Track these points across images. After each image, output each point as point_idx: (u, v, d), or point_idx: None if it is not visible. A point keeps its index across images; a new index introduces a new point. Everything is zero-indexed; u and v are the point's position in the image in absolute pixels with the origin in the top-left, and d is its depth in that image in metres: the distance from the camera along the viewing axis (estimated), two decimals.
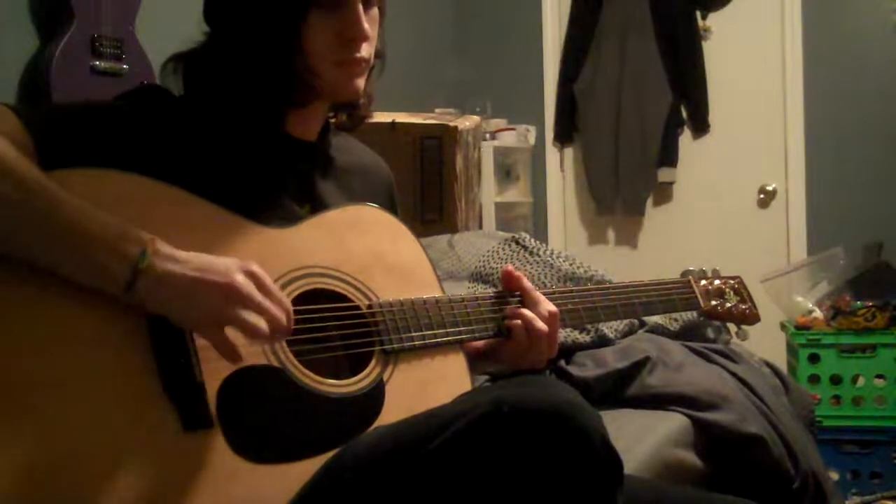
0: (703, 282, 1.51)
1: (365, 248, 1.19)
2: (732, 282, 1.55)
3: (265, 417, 1.02)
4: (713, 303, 1.48)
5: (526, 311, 1.26)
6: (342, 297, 1.14)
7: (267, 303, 0.97)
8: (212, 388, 0.99)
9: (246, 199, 1.10)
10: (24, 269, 0.92)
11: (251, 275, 0.98)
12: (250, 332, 0.96)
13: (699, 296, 1.49)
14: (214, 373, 0.99)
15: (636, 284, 1.43)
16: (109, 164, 1.02)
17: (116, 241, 0.93)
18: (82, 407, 0.91)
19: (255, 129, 1.17)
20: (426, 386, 1.16)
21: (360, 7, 1.13)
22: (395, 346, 1.14)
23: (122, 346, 0.95)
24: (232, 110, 1.15)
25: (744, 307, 1.53)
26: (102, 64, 2.50)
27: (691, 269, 1.51)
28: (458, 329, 1.21)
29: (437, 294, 1.23)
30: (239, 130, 1.16)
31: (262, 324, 0.96)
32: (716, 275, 1.54)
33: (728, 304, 1.50)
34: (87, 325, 0.94)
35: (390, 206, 1.34)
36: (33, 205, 0.92)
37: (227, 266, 0.97)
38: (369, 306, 1.15)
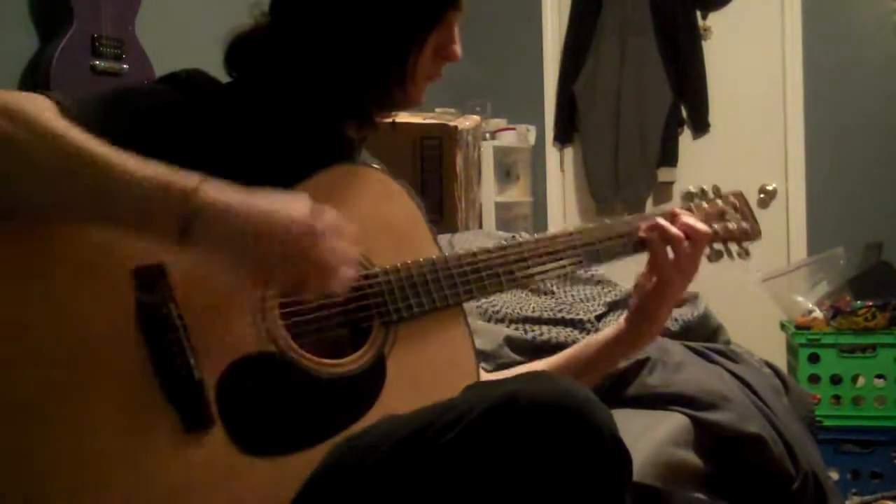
0: (705, 204, 1.46)
1: (358, 212, 1.14)
2: (733, 199, 1.49)
3: (267, 408, 1.01)
4: (715, 226, 1.44)
5: (659, 220, 1.27)
6: None
7: (342, 244, 0.97)
8: (211, 383, 0.98)
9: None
10: (19, 273, 0.91)
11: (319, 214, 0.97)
12: (334, 270, 0.96)
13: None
14: (212, 367, 0.98)
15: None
16: (151, 150, 1.01)
17: (166, 186, 0.90)
18: (82, 412, 0.91)
19: (323, 127, 1.17)
20: (429, 353, 1.13)
21: None
22: (393, 316, 1.11)
23: (118, 348, 0.94)
24: (308, 106, 1.15)
25: (745, 225, 1.48)
26: (102, 64, 2.50)
27: (692, 190, 1.47)
28: (455, 290, 1.16)
29: (435, 254, 1.18)
30: (302, 125, 1.15)
31: (348, 253, 0.97)
32: (717, 194, 1.48)
33: (730, 226, 1.46)
34: (83, 329, 0.93)
35: None
36: (80, 161, 0.89)
37: (296, 203, 0.96)
38: (366, 276, 1.11)
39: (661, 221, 1.29)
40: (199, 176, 0.92)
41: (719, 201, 1.46)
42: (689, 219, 1.30)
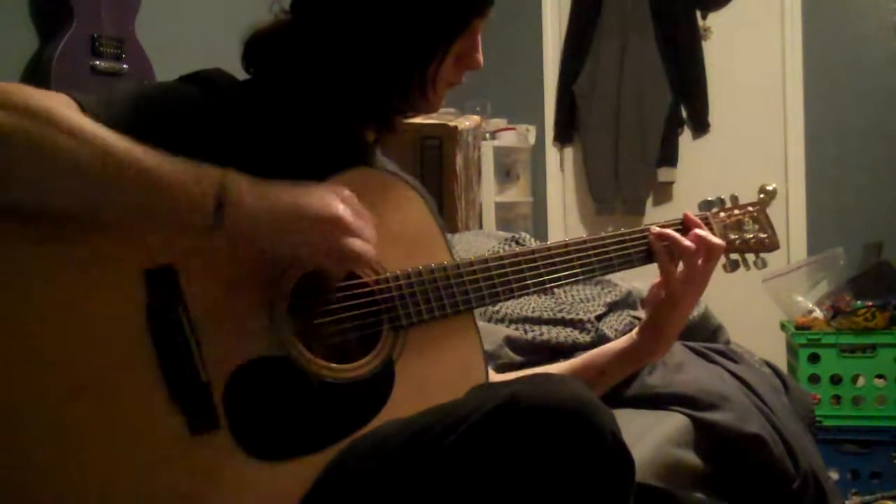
0: (723, 214, 1.45)
1: (372, 216, 1.12)
2: (752, 209, 1.48)
3: (274, 411, 1.01)
4: (732, 237, 1.43)
5: (669, 231, 1.27)
6: (350, 273, 1.10)
7: (365, 229, 1.02)
8: (218, 385, 0.98)
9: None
10: (26, 272, 0.91)
11: (347, 201, 1.01)
12: (357, 258, 1.01)
13: (716, 233, 1.41)
14: (220, 369, 0.98)
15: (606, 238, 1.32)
16: (175, 147, 1.00)
17: (196, 181, 0.94)
18: (85, 411, 0.91)
19: (342, 129, 1.18)
20: (437, 359, 1.13)
21: None
22: (403, 321, 1.11)
23: (125, 348, 0.94)
24: (328, 109, 1.16)
25: (763, 236, 1.46)
26: (102, 64, 2.50)
27: (710, 199, 1.46)
28: (466, 297, 1.16)
29: (447, 259, 1.18)
30: (321, 126, 1.16)
31: (367, 248, 1.01)
32: (735, 203, 1.47)
33: (747, 236, 1.44)
34: (88, 331, 0.93)
35: None
36: (118, 159, 0.91)
37: (325, 197, 1.00)
38: (377, 281, 1.11)
39: (671, 234, 1.28)
40: (229, 170, 0.96)
41: (737, 211, 1.45)
42: (703, 231, 1.30)
